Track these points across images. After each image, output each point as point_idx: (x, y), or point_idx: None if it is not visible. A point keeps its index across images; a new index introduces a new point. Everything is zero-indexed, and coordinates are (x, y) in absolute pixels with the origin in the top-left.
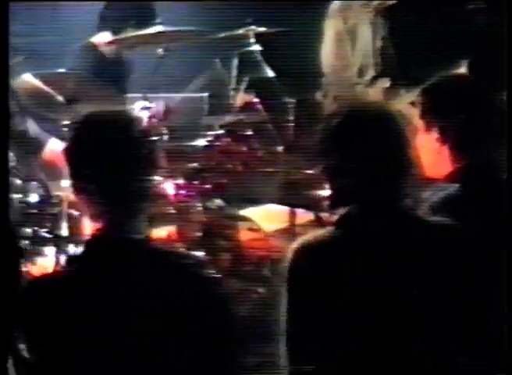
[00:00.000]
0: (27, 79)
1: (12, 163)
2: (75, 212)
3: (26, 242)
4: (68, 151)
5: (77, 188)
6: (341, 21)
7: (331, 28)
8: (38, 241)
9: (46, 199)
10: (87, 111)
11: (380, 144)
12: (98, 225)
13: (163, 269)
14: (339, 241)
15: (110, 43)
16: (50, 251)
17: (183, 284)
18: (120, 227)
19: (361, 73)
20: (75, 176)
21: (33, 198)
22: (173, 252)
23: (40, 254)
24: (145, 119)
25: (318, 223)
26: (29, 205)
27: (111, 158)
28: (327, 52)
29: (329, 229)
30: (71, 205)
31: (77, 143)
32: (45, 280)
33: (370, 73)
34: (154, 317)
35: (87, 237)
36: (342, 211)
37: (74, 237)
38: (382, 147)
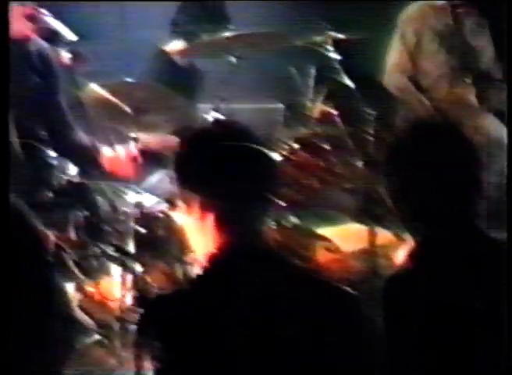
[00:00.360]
0: (93, 89)
1: (73, 176)
2: (141, 230)
3: (91, 260)
4: (196, 168)
5: (204, 203)
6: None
7: (405, 34)
8: (103, 259)
9: (112, 215)
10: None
11: (454, 157)
12: (221, 239)
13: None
14: (432, 269)
15: (182, 51)
16: (116, 270)
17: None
18: (247, 237)
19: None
20: (203, 191)
21: (98, 212)
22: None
23: (105, 273)
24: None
25: (400, 243)
26: (93, 220)
27: (238, 169)
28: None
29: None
30: (137, 221)
31: (204, 158)
32: (176, 295)
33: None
34: (288, 326)
35: (207, 253)
36: (424, 232)
37: (141, 255)
38: (455, 161)
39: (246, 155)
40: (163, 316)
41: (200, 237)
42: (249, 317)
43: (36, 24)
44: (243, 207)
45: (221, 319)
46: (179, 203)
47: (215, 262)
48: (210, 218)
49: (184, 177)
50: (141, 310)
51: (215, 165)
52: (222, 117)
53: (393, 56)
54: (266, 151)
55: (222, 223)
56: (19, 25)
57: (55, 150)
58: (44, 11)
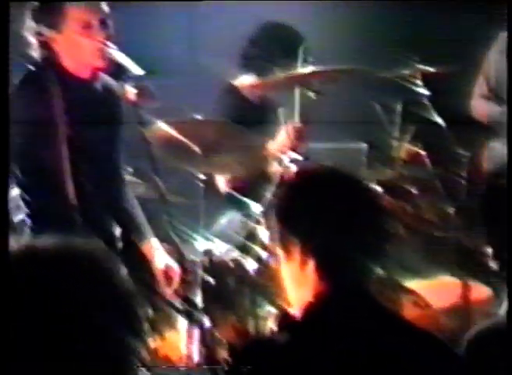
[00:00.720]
0: (160, 127)
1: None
2: (210, 280)
3: (155, 312)
4: (299, 213)
5: (305, 250)
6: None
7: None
8: (169, 312)
9: (179, 264)
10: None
11: None
12: (320, 287)
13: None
14: None
15: (255, 85)
16: (182, 323)
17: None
18: (347, 286)
19: None
20: (306, 238)
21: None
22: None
23: (171, 326)
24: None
25: (496, 298)
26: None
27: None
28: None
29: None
30: (206, 270)
31: (309, 203)
32: (269, 343)
33: None
34: None
35: (303, 302)
36: None
37: (210, 308)
38: None
39: (352, 202)
40: (256, 367)
41: (297, 285)
42: (346, 366)
43: (103, 58)
44: (346, 255)
45: (316, 370)
46: (277, 250)
47: (312, 311)
48: (310, 265)
49: (286, 223)
50: (232, 358)
51: (319, 210)
52: (299, 158)
53: (477, 85)
54: (374, 198)
55: (322, 272)
56: (87, 60)
57: None
58: (110, 44)
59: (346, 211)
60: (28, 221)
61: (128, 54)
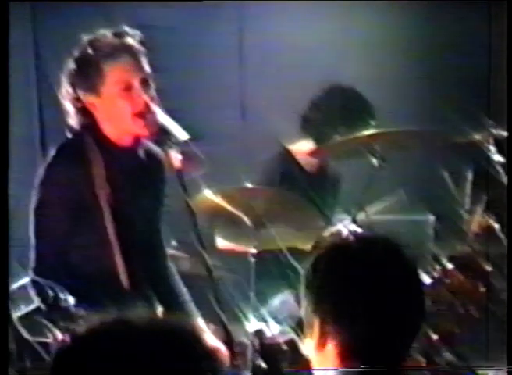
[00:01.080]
0: (207, 196)
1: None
2: (262, 363)
3: None
4: (332, 288)
5: (339, 330)
6: None
7: None
8: None
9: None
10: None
11: None
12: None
13: None
14: None
15: (313, 152)
16: None
17: None
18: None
19: None
20: (340, 316)
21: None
22: None
23: None
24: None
25: None
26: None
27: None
28: None
29: None
30: (257, 353)
31: (342, 278)
32: None
33: None
34: None
35: None
36: None
37: None
38: None
39: (392, 276)
40: None
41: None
42: None
43: (145, 123)
44: (385, 335)
45: None
46: (307, 329)
47: None
48: (342, 347)
49: (317, 299)
50: None
51: (354, 286)
52: (360, 230)
53: None
54: (417, 273)
55: (356, 354)
56: (128, 125)
57: None
58: (153, 107)
59: (386, 284)
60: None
61: (173, 117)
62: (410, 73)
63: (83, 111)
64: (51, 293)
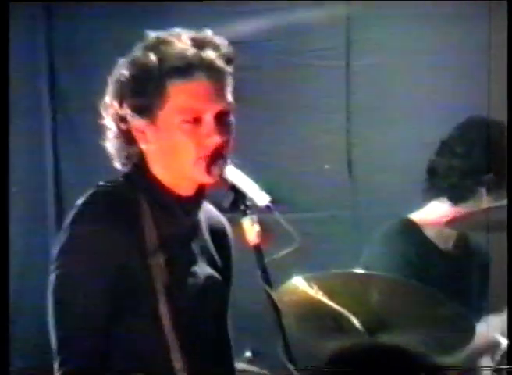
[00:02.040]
0: (295, 285)
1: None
2: None
3: None
4: None
5: None
6: None
7: None
8: None
9: None
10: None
11: None
12: None
13: None
14: None
15: (448, 220)
16: None
17: None
18: None
19: None
20: None
21: None
22: None
23: None
24: None
25: None
26: None
27: None
28: None
29: None
30: None
31: None
32: None
33: None
34: None
35: None
36: None
37: None
38: None
39: None
40: None
41: None
42: None
43: (212, 172)
44: None
45: None
46: None
47: None
48: None
49: None
50: None
51: None
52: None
53: None
54: None
55: None
56: (188, 170)
57: None
58: (228, 153)
59: None
60: None
61: (253, 174)
62: None
63: (127, 136)
64: None
